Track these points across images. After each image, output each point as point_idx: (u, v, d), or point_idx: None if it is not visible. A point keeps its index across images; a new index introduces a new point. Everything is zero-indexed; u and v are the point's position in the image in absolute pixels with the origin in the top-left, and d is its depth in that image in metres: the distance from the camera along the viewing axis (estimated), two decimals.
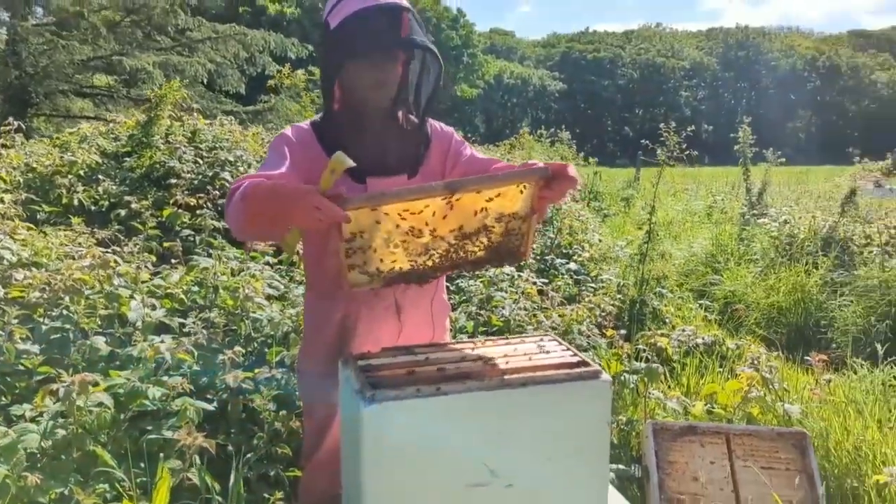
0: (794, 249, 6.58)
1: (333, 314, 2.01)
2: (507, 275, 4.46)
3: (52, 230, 4.12)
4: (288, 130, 1.97)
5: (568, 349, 1.90)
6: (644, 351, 3.75)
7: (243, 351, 2.83)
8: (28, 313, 2.85)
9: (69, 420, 2.19)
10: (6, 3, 12.09)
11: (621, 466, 2.91)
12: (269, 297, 3.41)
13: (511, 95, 61.57)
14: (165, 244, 4.11)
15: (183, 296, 3.36)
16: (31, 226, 4.01)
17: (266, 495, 2.40)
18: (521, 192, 1.77)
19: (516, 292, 4.22)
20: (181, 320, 3.11)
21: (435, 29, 45.06)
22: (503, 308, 3.95)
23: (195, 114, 6.76)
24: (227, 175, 5.40)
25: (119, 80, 13.34)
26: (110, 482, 2.14)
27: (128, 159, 5.84)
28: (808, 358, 3.82)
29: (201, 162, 5.64)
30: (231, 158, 5.72)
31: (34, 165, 5.28)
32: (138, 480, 2.15)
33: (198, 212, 4.33)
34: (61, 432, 2.17)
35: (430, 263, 1.85)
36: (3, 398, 2.51)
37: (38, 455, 2.14)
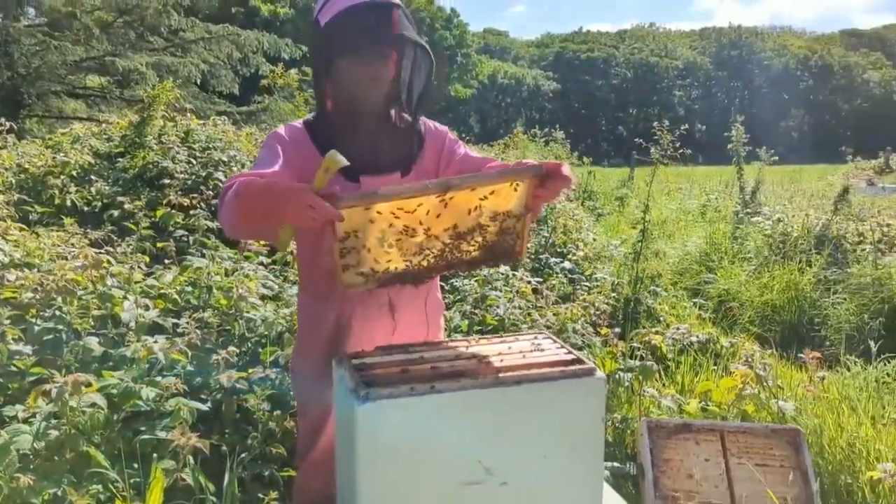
0: (788, 248, 6.60)
1: (327, 314, 2.01)
2: (502, 274, 4.46)
3: (44, 231, 4.10)
4: (281, 129, 1.97)
5: (562, 347, 1.90)
6: (638, 349, 3.75)
7: (237, 351, 2.82)
8: (20, 314, 2.84)
9: (62, 421, 2.18)
10: None
11: (616, 464, 2.91)
12: (263, 297, 3.40)
13: (505, 95, 61.60)
14: (159, 244, 4.09)
15: (176, 296, 3.34)
16: (24, 227, 3.99)
17: (260, 495, 2.39)
18: (515, 189, 1.76)
19: (511, 291, 4.22)
20: (175, 321, 3.10)
21: (429, 29, 45.05)
22: (498, 307, 3.95)
23: (188, 114, 6.73)
24: (220, 175, 5.38)
25: (112, 80, 13.29)
26: (104, 483, 2.13)
27: (121, 160, 5.82)
28: (801, 355, 3.83)
29: (195, 162, 5.62)
30: (224, 158, 5.70)
31: (26, 166, 5.25)
32: (132, 481, 2.15)
33: (191, 212, 4.31)
34: (54, 433, 2.16)
35: (425, 263, 1.84)
36: None
37: (31, 456, 2.12)
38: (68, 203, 4.90)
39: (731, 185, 11.96)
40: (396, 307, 2.04)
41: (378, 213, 1.68)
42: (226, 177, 5.31)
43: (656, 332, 3.88)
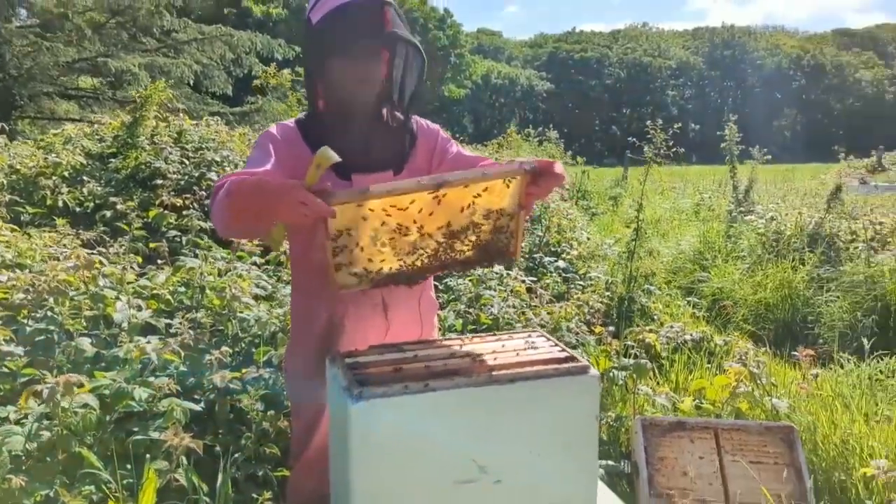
0: (781, 246, 6.62)
1: (320, 312, 2.00)
2: (496, 273, 4.46)
3: (36, 232, 4.09)
4: (273, 128, 1.96)
5: (556, 345, 1.89)
6: (633, 347, 3.75)
7: (230, 351, 2.81)
8: (12, 315, 2.82)
9: (54, 422, 2.17)
10: None
11: (611, 462, 2.92)
12: (256, 298, 3.39)
13: (499, 95, 61.59)
14: (151, 245, 4.08)
15: (169, 296, 3.33)
16: (15, 227, 3.98)
17: (254, 495, 2.38)
18: (508, 187, 1.76)
19: (505, 290, 4.22)
20: (168, 321, 3.09)
21: (422, 29, 45.03)
22: (492, 306, 3.95)
23: (181, 114, 6.71)
24: (213, 175, 5.37)
25: (104, 81, 13.26)
26: (96, 484, 2.12)
27: (113, 160, 5.80)
28: (795, 353, 3.85)
29: (187, 162, 5.60)
30: (217, 159, 5.69)
31: (18, 167, 5.23)
32: (124, 482, 2.13)
33: (184, 212, 4.30)
34: (46, 434, 2.15)
35: (419, 263, 1.84)
36: None
37: (23, 457, 2.11)
38: (60, 204, 4.89)
39: (724, 184, 12.00)
40: (390, 306, 2.03)
41: (370, 210, 1.67)
42: (219, 177, 5.29)
43: (650, 331, 3.88)
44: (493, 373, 1.70)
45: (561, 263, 5.66)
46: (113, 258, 3.65)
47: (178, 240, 4.23)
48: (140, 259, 3.86)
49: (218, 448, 2.45)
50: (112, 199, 4.72)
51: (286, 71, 8.37)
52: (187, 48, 13.66)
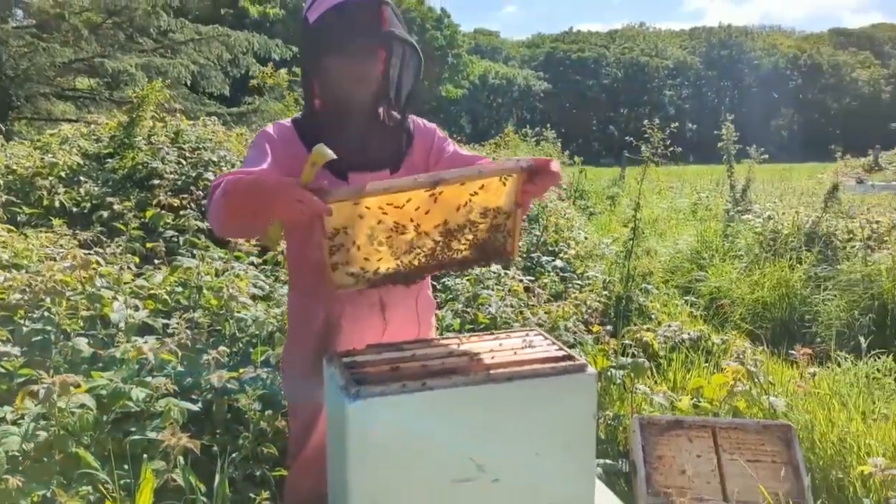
0: (778, 245, 6.63)
1: (317, 311, 2.00)
2: (494, 273, 4.46)
3: (32, 232, 4.08)
4: (269, 128, 1.96)
5: (553, 343, 1.89)
6: (630, 346, 3.76)
7: (228, 351, 2.81)
8: (8, 315, 2.82)
9: (51, 422, 2.17)
10: None
11: (609, 461, 2.92)
12: (253, 297, 3.39)
13: (496, 95, 61.58)
14: (148, 245, 4.07)
15: (166, 296, 3.33)
16: (12, 228, 3.97)
17: (252, 495, 2.38)
18: (504, 184, 1.76)
19: (503, 290, 4.22)
20: (165, 321, 3.08)
21: (419, 29, 45.02)
22: (490, 306, 3.95)
23: (178, 114, 6.70)
24: (210, 175, 5.36)
25: (101, 82, 13.23)
26: (93, 484, 2.11)
27: (110, 160, 5.78)
28: (792, 352, 3.85)
29: (184, 162, 5.59)
30: (215, 159, 5.68)
31: (14, 167, 5.22)
32: (122, 482, 2.13)
33: (181, 212, 4.29)
34: (43, 434, 2.14)
35: (416, 263, 1.83)
36: None
37: (20, 457, 2.11)
38: (57, 204, 4.87)
39: (721, 183, 12.02)
40: (387, 306, 2.03)
41: (367, 207, 1.67)
42: (216, 177, 5.28)
43: (648, 330, 3.89)
44: (491, 371, 1.70)
45: (559, 263, 5.66)
46: (110, 258, 3.64)
47: (176, 240, 4.22)
48: (137, 259, 3.85)
49: (215, 448, 2.46)
50: (109, 199, 4.71)
51: (283, 71, 8.37)
52: (184, 48, 13.63)
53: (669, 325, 4.37)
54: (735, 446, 2.78)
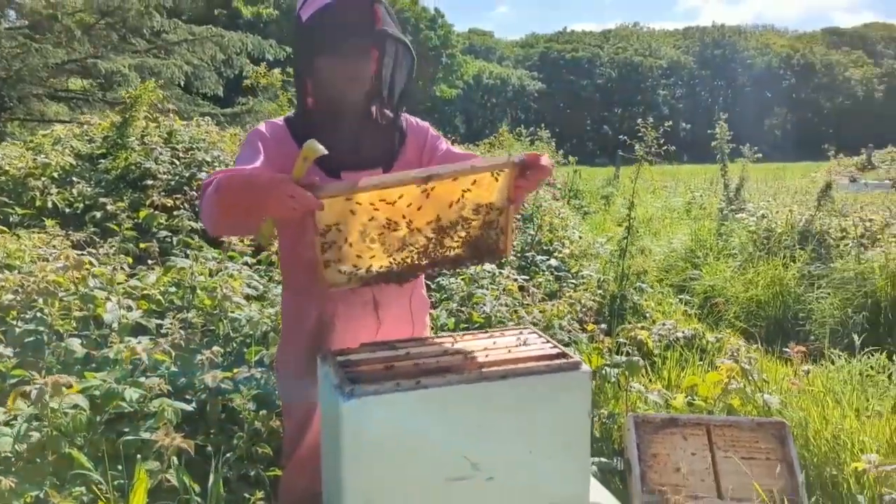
0: (772, 243, 6.64)
1: (310, 311, 2.00)
2: (488, 272, 4.46)
3: (25, 233, 4.07)
4: (262, 126, 1.96)
5: (548, 341, 1.89)
6: (625, 345, 3.76)
7: (222, 351, 2.80)
8: (1, 316, 2.81)
9: (43, 423, 2.16)
10: None
11: (603, 459, 2.92)
12: (248, 297, 3.38)
13: (490, 95, 61.60)
14: (142, 245, 4.06)
15: (160, 297, 3.32)
16: (4, 228, 3.96)
17: (246, 495, 2.37)
18: (497, 180, 1.76)
19: (497, 289, 4.22)
20: (158, 321, 3.07)
21: (413, 29, 44.98)
22: (484, 305, 3.95)
23: (171, 115, 6.68)
24: (204, 175, 5.35)
25: (94, 83, 13.18)
26: (87, 485, 2.10)
27: (103, 161, 5.77)
28: (786, 349, 3.85)
29: (178, 163, 5.58)
30: (208, 159, 5.67)
31: (6, 168, 5.19)
32: (115, 483, 2.12)
33: (175, 213, 4.28)
34: (35, 435, 2.14)
35: (408, 260, 1.83)
36: None
37: (13, 458, 2.10)
38: (49, 205, 4.86)
39: (715, 182, 12.05)
40: (381, 304, 2.02)
41: (358, 203, 1.67)
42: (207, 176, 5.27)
43: (642, 328, 3.89)
44: (485, 370, 1.70)
45: (553, 262, 5.67)
46: (103, 259, 3.62)
47: (169, 240, 4.21)
48: (130, 260, 3.84)
49: (209, 448, 2.45)
50: (102, 199, 4.70)
51: (276, 71, 8.35)
52: (177, 49, 13.58)
53: (664, 324, 4.37)
54: (729, 444, 2.78)
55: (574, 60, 68.01)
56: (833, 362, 4.05)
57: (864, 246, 6.14)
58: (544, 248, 6.19)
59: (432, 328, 3.28)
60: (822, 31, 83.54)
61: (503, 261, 4.55)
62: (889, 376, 3.87)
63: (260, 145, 1.84)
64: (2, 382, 2.48)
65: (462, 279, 4.34)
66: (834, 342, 4.61)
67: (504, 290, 4.22)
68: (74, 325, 2.89)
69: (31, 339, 2.70)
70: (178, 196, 4.52)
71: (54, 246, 3.78)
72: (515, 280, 4.44)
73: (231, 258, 3.86)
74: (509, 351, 1.82)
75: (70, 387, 2.17)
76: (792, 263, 6.14)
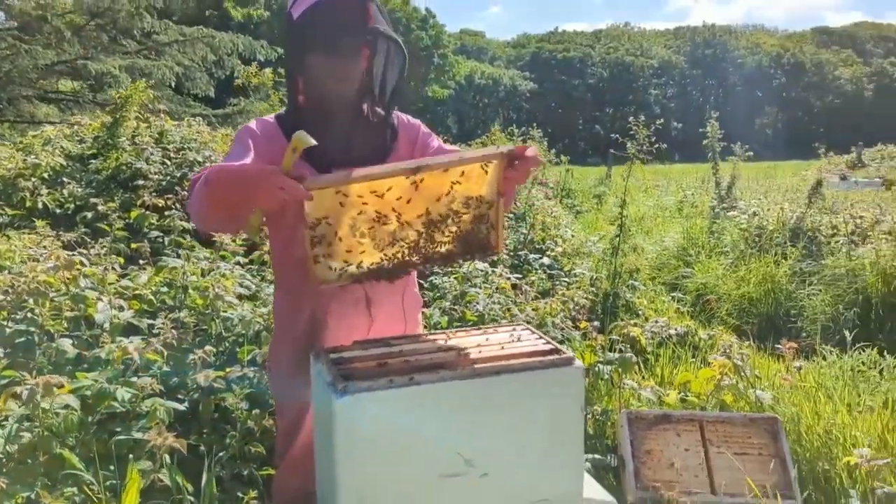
0: (764, 241, 6.67)
1: (302, 309, 1.99)
2: (481, 270, 4.46)
3: (15, 234, 4.04)
4: (252, 123, 1.95)
5: (541, 338, 1.89)
6: (618, 342, 3.77)
7: (214, 350, 2.79)
8: None
9: (34, 423, 2.14)
10: None
11: (597, 456, 2.92)
12: (240, 297, 3.37)
13: (482, 96, 61.65)
14: (133, 245, 4.04)
15: (152, 297, 3.30)
16: None
17: (239, 494, 2.37)
18: (486, 172, 1.76)
19: (490, 287, 4.22)
20: (150, 321, 3.06)
21: (405, 29, 44.99)
22: (477, 303, 3.95)
23: (162, 115, 6.66)
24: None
25: (85, 84, 13.12)
26: (78, 485, 2.09)
27: (93, 161, 5.74)
28: (778, 346, 3.87)
29: (169, 163, 5.55)
30: (199, 159, 5.64)
31: None
32: (107, 483, 2.11)
33: (166, 213, 4.26)
34: (27, 436, 2.12)
35: (399, 256, 1.83)
36: None
37: (4, 459, 2.09)
38: (40, 205, 4.82)
39: (706, 181, 12.08)
40: (373, 302, 2.02)
41: (346, 195, 1.67)
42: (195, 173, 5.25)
43: (635, 325, 3.90)
44: (478, 366, 1.70)
45: (546, 260, 5.67)
46: (94, 259, 3.61)
47: (161, 240, 4.20)
48: (122, 260, 3.82)
49: (202, 447, 2.44)
50: (93, 200, 4.67)
51: (268, 70, 8.33)
52: (168, 50, 13.52)
53: (657, 321, 4.39)
54: (722, 439, 2.79)
55: (565, 60, 68.13)
56: (825, 358, 4.06)
57: (855, 243, 6.17)
58: (537, 246, 6.19)
59: (425, 326, 3.28)
60: (812, 31, 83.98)
61: (495, 258, 4.55)
62: (880, 372, 3.89)
63: (250, 142, 1.84)
64: None
65: (455, 278, 4.33)
66: (825, 338, 4.63)
67: (497, 288, 4.23)
68: (65, 325, 2.87)
69: (22, 339, 2.68)
70: (170, 196, 4.50)
71: (45, 246, 3.75)
72: (508, 278, 4.45)
73: (223, 258, 3.85)
74: (502, 347, 1.82)
75: (61, 387, 2.16)
76: (783, 261, 6.16)
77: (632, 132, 5.78)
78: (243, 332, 3.06)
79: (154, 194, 4.54)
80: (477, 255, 1.95)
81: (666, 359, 4.03)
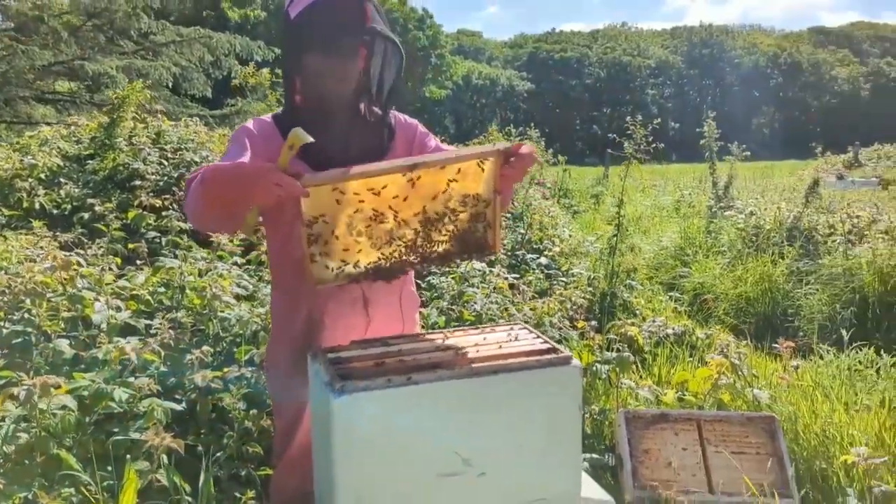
0: (761, 240, 6.67)
1: (299, 309, 1.99)
2: (479, 270, 4.46)
3: (12, 234, 4.03)
4: (249, 123, 1.95)
5: (538, 337, 1.89)
6: (615, 341, 3.77)
7: (212, 350, 2.79)
8: None
9: (31, 424, 2.14)
10: None
11: (595, 456, 2.92)
12: (237, 297, 3.37)
13: (480, 96, 61.65)
14: (130, 246, 4.04)
15: (149, 297, 3.30)
16: None
17: (237, 494, 2.36)
18: (482, 170, 1.77)
19: (488, 287, 4.22)
20: (148, 322, 3.05)
21: (402, 30, 44.98)
22: (475, 303, 3.95)
23: (159, 115, 6.65)
24: None
25: (82, 85, 13.09)
26: (76, 486, 2.09)
27: (90, 162, 5.73)
28: (775, 345, 3.87)
29: (166, 163, 5.55)
30: (197, 159, 5.63)
31: None
32: (105, 483, 2.11)
33: (163, 213, 4.26)
34: (24, 436, 2.12)
35: (396, 255, 1.83)
36: None
37: (1, 460, 2.08)
38: (37, 206, 4.82)
39: (704, 180, 12.09)
40: (370, 302, 2.02)
41: (342, 192, 1.67)
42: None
43: (632, 324, 3.90)
44: (476, 365, 1.70)
45: (543, 260, 5.68)
46: (91, 260, 3.60)
47: (158, 241, 4.19)
48: (119, 260, 3.82)
49: (200, 448, 2.44)
50: (90, 200, 4.66)
51: (265, 70, 8.33)
52: (165, 50, 13.50)
53: (654, 321, 4.39)
54: (720, 439, 2.80)
55: (563, 60, 68.15)
56: (822, 357, 4.07)
57: (852, 242, 6.18)
58: (534, 246, 6.19)
59: (423, 326, 3.28)
60: (809, 31, 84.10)
61: (493, 258, 4.55)
62: (877, 371, 3.90)
63: (247, 142, 1.84)
64: None
65: (452, 277, 4.34)
66: (822, 337, 4.64)
67: (494, 288, 4.23)
68: (62, 325, 2.87)
69: (19, 340, 2.68)
70: (167, 196, 4.49)
71: (42, 247, 3.74)
72: (506, 278, 4.45)
73: (220, 258, 3.84)
74: (500, 346, 1.82)
75: (58, 387, 2.16)
76: (780, 260, 6.17)
77: (629, 132, 5.78)
78: (241, 332, 3.06)
79: (151, 195, 4.54)
80: (474, 255, 1.95)
81: (663, 358, 4.04)
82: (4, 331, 2.69)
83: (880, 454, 2.65)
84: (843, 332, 4.30)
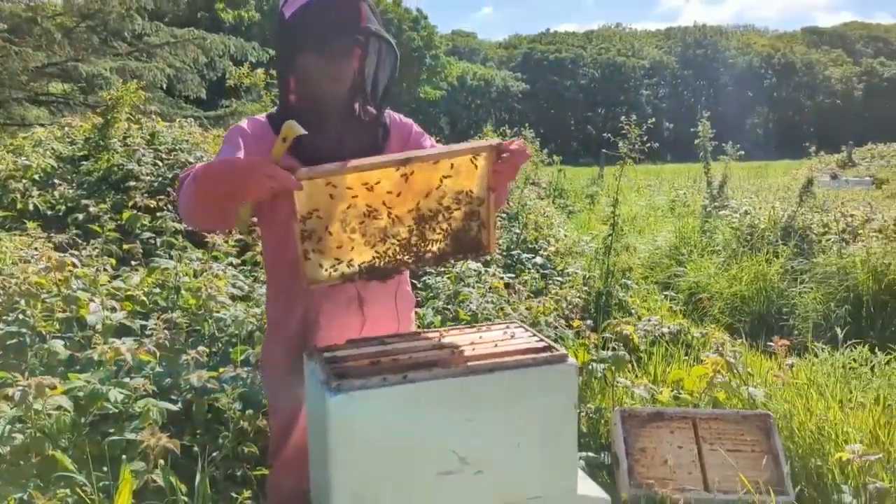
0: (755, 239, 6.70)
1: (295, 310, 1.99)
2: (474, 270, 4.47)
3: (6, 235, 4.02)
4: (243, 123, 1.95)
5: (534, 335, 1.90)
6: (611, 341, 3.78)
7: (207, 351, 2.78)
8: None
9: (27, 425, 2.13)
10: None
11: (591, 454, 2.93)
12: (233, 297, 3.37)
13: (474, 97, 61.68)
14: (125, 246, 4.03)
15: (144, 298, 3.29)
16: None
17: (233, 494, 2.36)
18: (476, 166, 1.77)
19: (483, 287, 4.22)
20: (143, 322, 3.05)
21: (396, 31, 44.97)
22: (471, 302, 3.95)
23: (153, 116, 6.63)
24: None
25: (75, 86, 13.06)
26: (71, 487, 2.08)
27: (85, 163, 5.71)
28: (770, 343, 3.88)
29: (161, 164, 5.54)
30: (191, 160, 5.63)
31: None
32: (100, 484, 2.10)
33: (158, 214, 4.25)
34: (19, 437, 2.11)
35: (390, 253, 1.83)
36: None
37: None
38: (31, 207, 4.80)
39: (698, 180, 12.12)
40: (365, 301, 2.02)
41: (335, 187, 1.67)
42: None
43: (627, 322, 3.91)
44: (472, 363, 1.70)
45: (539, 260, 5.68)
46: (86, 260, 3.59)
47: (153, 241, 4.18)
48: (114, 261, 3.81)
49: (196, 448, 2.43)
50: (84, 201, 4.65)
51: (260, 71, 8.32)
52: (159, 52, 13.47)
53: (649, 320, 4.40)
54: (715, 436, 2.80)
55: (557, 61, 68.26)
56: (816, 355, 4.09)
57: (846, 241, 6.21)
58: (530, 246, 6.20)
59: (418, 326, 3.28)
60: (802, 31, 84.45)
61: (488, 258, 4.56)
62: (871, 368, 3.91)
63: (240, 141, 1.84)
64: None
65: (448, 277, 4.34)
66: (817, 336, 4.66)
67: (490, 287, 4.23)
68: (57, 326, 2.86)
69: (14, 340, 2.67)
70: (161, 197, 4.48)
71: (36, 248, 3.73)
72: (501, 278, 4.45)
73: (215, 258, 3.84)
74: (496, 345, 1.82)
75: (53, 388, 2.15)
76: (775, 259, 6.19)
77: (624, 132, 5.79)
78: (236, 332, 3.06)
79: (146, 195, 4.53)
80: (469, 255, 1.94)
81: (659, 357, 4.04)
82: None
83: (875, 451, 2.65)
84: (838, 330, 4.32)
